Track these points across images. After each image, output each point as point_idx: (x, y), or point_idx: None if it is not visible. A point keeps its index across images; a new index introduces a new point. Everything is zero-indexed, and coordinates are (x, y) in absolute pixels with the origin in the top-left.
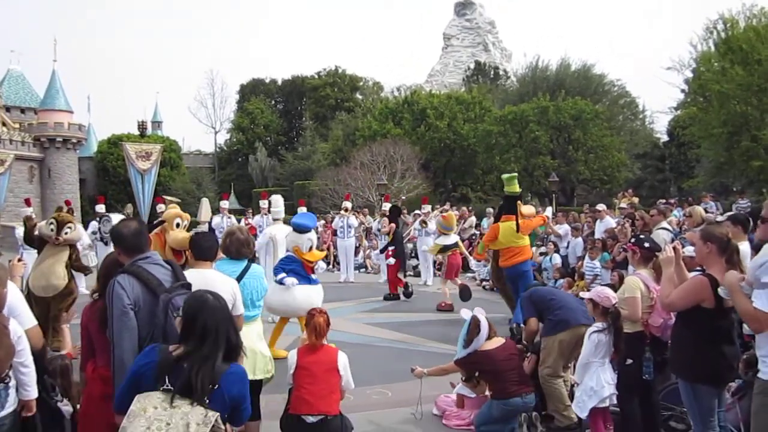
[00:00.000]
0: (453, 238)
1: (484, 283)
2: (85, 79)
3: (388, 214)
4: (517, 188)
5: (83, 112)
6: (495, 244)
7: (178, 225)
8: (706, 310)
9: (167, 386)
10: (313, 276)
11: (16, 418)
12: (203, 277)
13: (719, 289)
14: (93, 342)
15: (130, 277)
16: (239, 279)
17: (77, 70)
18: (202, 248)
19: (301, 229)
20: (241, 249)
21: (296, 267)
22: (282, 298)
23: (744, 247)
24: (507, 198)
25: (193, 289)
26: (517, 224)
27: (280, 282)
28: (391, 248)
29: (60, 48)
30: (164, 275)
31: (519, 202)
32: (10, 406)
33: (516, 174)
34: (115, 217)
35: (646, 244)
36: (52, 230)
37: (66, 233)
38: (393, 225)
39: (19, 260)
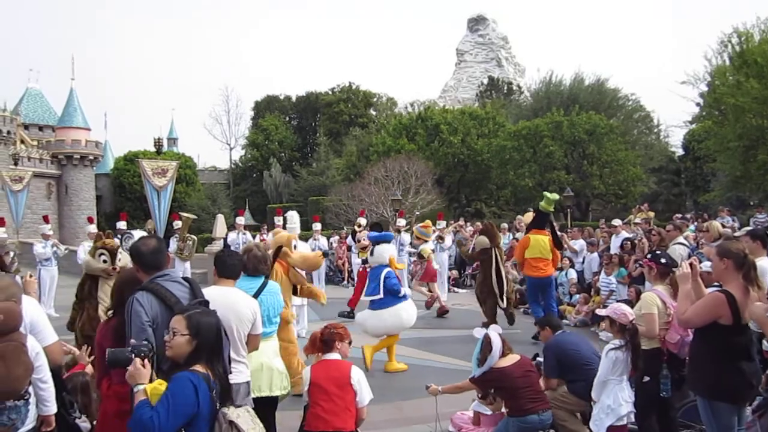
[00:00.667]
0: (430, 245)
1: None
2: (102, 97)
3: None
4: (551, 208)
5: (100, 130)
6: (526, 254)
7: (295, 247)
8: (723, 327)
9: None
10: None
11: None
12: (225, 296)
13: (749, 323)
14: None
15: (149, 294)
16: (256, 295)
17: (94, 88)
18: (227, 266)
19: (387, 239)
20: (258, 266)
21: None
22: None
23: (763, 263)
24: (540, 214)
25: (218, 306)
26: (557, 240)
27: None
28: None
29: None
30: (182, 292)
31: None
32: (30, 422)
33: (557, 197)
34: (138, 234)
35: (663, 260)
36: (105, 261)
37: (119, 260)
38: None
39: (31, 276)
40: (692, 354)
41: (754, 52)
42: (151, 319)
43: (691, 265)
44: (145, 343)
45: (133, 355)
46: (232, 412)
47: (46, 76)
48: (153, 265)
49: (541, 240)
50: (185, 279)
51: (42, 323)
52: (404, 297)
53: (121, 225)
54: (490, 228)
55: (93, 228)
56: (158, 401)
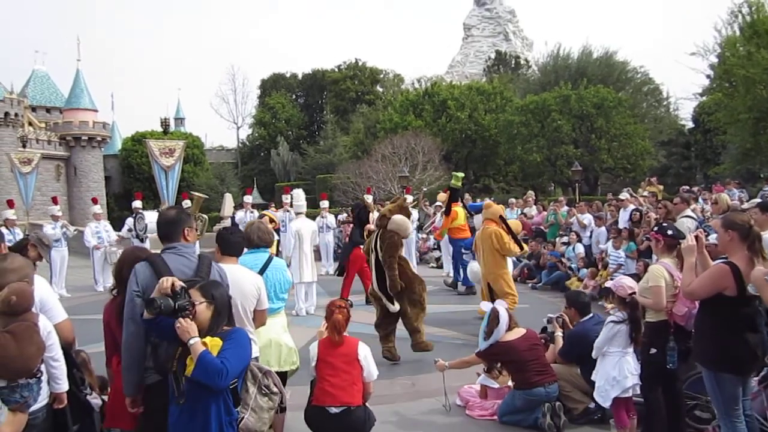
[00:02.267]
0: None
1: None
2: (109, 78)
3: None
4: (459, 184)
5: (107, 111)
6: (454, 223)
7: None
8: (728, 298)
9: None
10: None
11: (48, 410)
12: (230, 272)
13: (748, 286)
14: (116, 337)
15: (147, 265)
16: (261, 271)
17: (101, 69)
18: (230, 243)
19: (476, 210)
20: (263, 236)
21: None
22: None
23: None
24: (453, 190)
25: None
26: (468, 212)
27: None
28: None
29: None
30: (185, 267)
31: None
32: (43, 399)
33: (463, 175)
34: (149, 215)
35: (669, 232)
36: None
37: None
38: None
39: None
40: (697, 326)
41: (765, 22)
42: (141, 290)
43: (696, 237)
44: (189, 299)
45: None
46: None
47: (52, 58)
48: (164, 235)
49: (461, 211)
50: (200, 256)
51: (52, 301)
52: None
53: (137, 204)
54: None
55: (98, 209)
56: (223, 350)
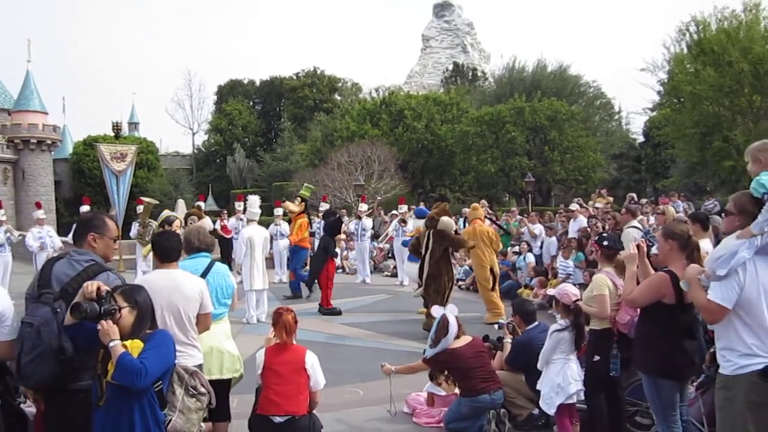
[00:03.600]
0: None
1: (459, 282)
2: (61, 80)
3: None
4: (308, 194)
5: (58, 114)
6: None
7: None
8: (667, 306)
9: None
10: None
11: None
12: (170, 277)
13: (681, 283)
14: None
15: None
16: (203, 276)
17: (52, 71)
18: (165, 249)
19: (420, 215)
20: (203, 239)
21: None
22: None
23: (703, 244)
24: (305, 201)
25: (160, 290)
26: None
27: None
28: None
29: (34, 48)
30: (64, 274)
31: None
32: None
33: (313, 187)
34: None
35: (605, 243)
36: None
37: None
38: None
39: None
40: (638, 333)
41: (711, 41)
42: (29, 292)
43: (638, 246)
44: (114, 304)
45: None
46: (187, 365)
47: (1, 59)
48: (73, 237)
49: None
50: (90, 266)
51: (11, 320)
52: None
53: (84, 209)
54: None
55: (41, 213)
56: (144, 351)
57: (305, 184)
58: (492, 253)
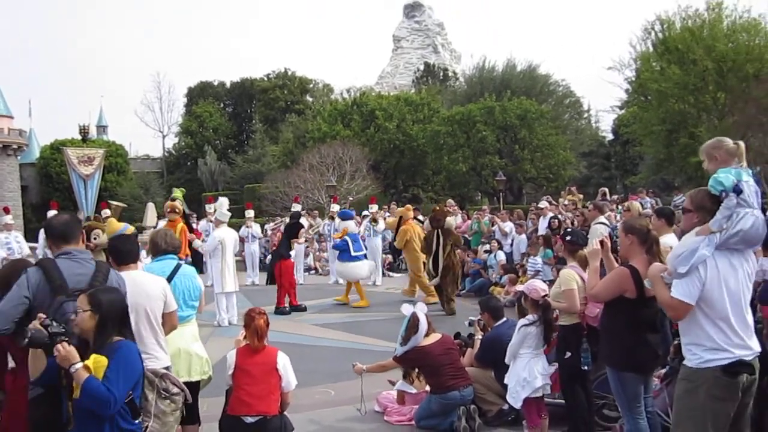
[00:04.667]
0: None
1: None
2: (26, 83)
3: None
4: (180, 196)
5: (24, 117)
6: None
7: None
8: (629, 300)
9: None
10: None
11: None
12: (132, 279)
13: (645, 281)
14: (11, 354)
15: (39, 271)
16: (170, 279)
17: (17, 74)
18: (122, 252)
19: (345, 217)
20: (170, 241)
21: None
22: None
23: (667, 239)
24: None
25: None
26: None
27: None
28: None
29: None
30: (77, 275)
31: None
32: None
33: (183, 190)
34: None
35: (568, 238)
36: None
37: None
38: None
39: None
40: (602, 327)
41: (675, 39)
42: (32, 296)
43: (601, 242)
44: (56, 324)
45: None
46: (157, 367)
47: None
48: (60, 236)
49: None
50: (99, 263)
51: None
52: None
53: (52, 214)
54: (438, 212)
55: (9, 219)
56: (107, 371)
57: (175, 189)
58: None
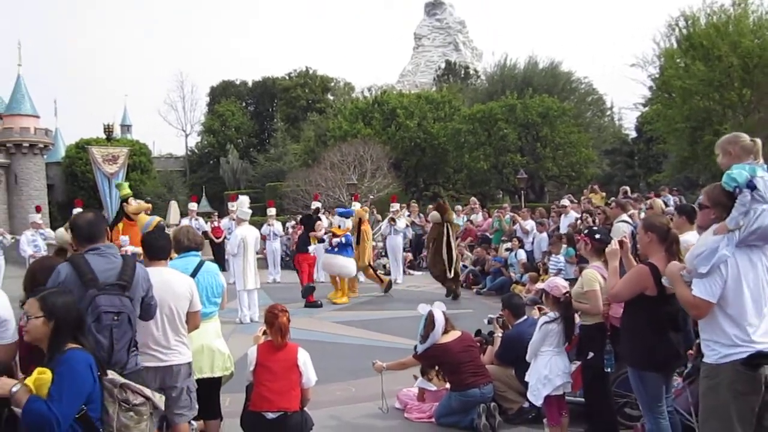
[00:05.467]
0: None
1: None
2: (52, 83)
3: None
4: (126, 192)
5: (50, 117)
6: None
7: None
8: (649, 298)
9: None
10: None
11: None
12: (160, 275)
13: (663, 279)
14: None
15: (69, 267)
16: (193, 275)
17: (43, 74)
18: (155, 248)
19: (343, 215)
20: (193, 238)
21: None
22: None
23: (688, 237)
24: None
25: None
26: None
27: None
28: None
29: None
30: (106, 270)
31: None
32: None
33: (127, 183)
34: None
35: (597, 236)
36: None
37: None
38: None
39: None
40: (623, 326)
41: (700, 35)
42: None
43: (620, 242)
44: None
45: None
46: (117, 376)
47: None
48: (87, 236)
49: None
50: (124, 257)
51: (11, 323)
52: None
53: (76, 212)
54: (442, 204)
55: (38, 217)
56: (51, 388)
57: (118, 183)
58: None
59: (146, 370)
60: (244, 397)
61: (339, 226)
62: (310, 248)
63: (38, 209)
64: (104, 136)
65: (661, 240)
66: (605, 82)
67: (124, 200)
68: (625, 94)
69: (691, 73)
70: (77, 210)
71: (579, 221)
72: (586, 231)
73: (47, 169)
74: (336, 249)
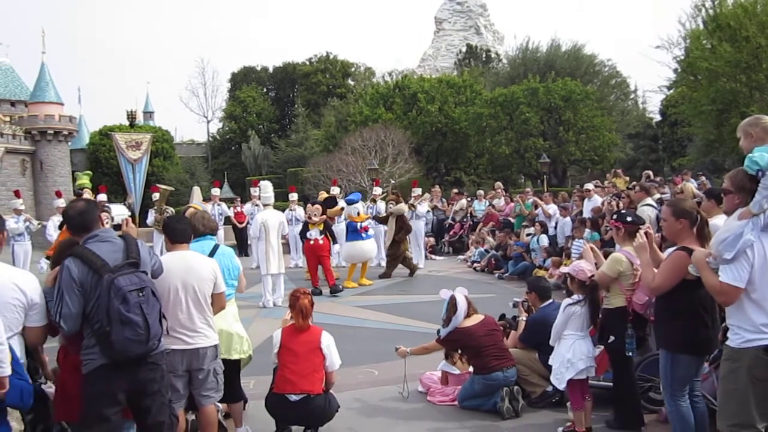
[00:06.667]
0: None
1: (475, 264)
2: (76, 71)
3: (321, 202)
4: (85, 182)
5: (74, 104)
6: None
7: None
8: (689, 282)
9: None
10: (365, 234)
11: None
12: (182, 258)
13: (689, 267)
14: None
15: (76, 260)
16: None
17: (67, 62)
18: (177, 230)
19: (349, 202)
20: (207, 223)
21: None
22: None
23: (717, 221)
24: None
25: (175, 270)
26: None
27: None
28: (320, 237)
29: (48, 39)
30: (112, 252)
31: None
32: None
33: (90, 172)
34: (115, 208)
35: (629, 219)
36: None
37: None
38: (324, 216)
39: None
40: (660, 310)
41: (727, 15)
42: (80, 284)
43: (646, 234)
44: None
45: None
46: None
47: (16, 51)
48: (80, 226)
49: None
50: (122, 237)
51: (40, 305)
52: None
53: (102, 197)
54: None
55: (62, 202)
56: None
57: (79, 174)
58: None
59: (173, 353)
60: (267, 379)
61: (359, 213)
62: (311, 233)
63: (59, 194)
64: (127, 123)
65: (692, 224)
66: (629, 65)
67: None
68: (650, 76)
69: (717, 55)
70: (102, 196)
71: (606, 204)
72: (615, 216)
73: (72, 156)
74: (364, 234)
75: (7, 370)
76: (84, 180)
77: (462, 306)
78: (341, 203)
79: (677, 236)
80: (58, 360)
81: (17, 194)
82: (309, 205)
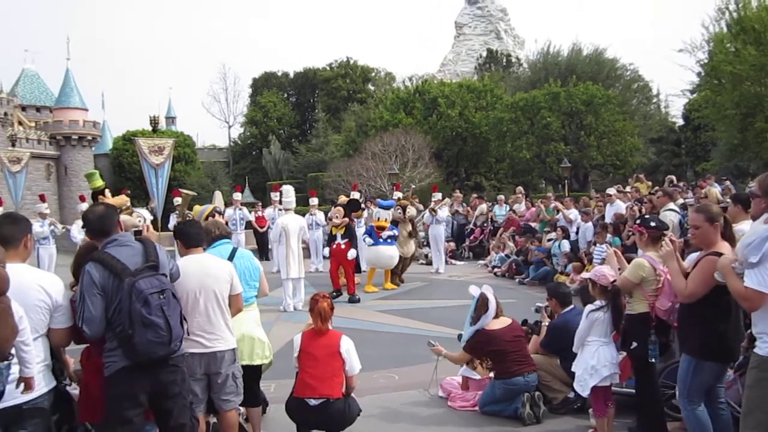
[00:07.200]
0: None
1: (495, 269)
2: (100, 77)
3: (344, 205)
4: (98, 184)
5: (98, 110)
6: None
7: None
8: (720, 287)
9: None
10: (382, 239)
11: (53, 396)
12: (199, 262)
13: (715, 274)
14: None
15: (97, 265)
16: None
17: (91, 68)
18: (190, 235)
19: (384, 207)
20: (222, 228)
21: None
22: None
23: (743, 226)
24: (93, 194)
25: (191, 273)
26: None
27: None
28: (343, 241)
29: (73, 46)
30: (131, 256)
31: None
32: (49, 384)
33: (96, 171)
34: (139, 211)
35: (653, 224)
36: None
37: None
38: (346, 219)
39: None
40: (687, 315)
41: (751, 18)
42: (101, 289)
43: (671, 241)
44: None
45: None
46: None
47: (42, 57)
48: (99, 230)
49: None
50: (140, 240)
51: (66, 306)
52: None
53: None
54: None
55: (85, 206)
56: None
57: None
58: None
59: (191, 357)
60: (288, 383)
61: (386, 219)
62: (335, 237)
63: (82, 199)
64: (150, 128)
65: (722, 227)
66: (651, 69)
67: (99, 193)
68: (672, 80)
69: (741, 58)
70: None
71: (629, 210)
72: (638, 221)
73: (95, 161)
74: (387, 240)
75: (33, 371)
76: (98, 182)
77: (492, 305)
78: (374, 210)
79: (708, 239)
80: (82, 362)
81: (42, 198)
82: (333, 208)
